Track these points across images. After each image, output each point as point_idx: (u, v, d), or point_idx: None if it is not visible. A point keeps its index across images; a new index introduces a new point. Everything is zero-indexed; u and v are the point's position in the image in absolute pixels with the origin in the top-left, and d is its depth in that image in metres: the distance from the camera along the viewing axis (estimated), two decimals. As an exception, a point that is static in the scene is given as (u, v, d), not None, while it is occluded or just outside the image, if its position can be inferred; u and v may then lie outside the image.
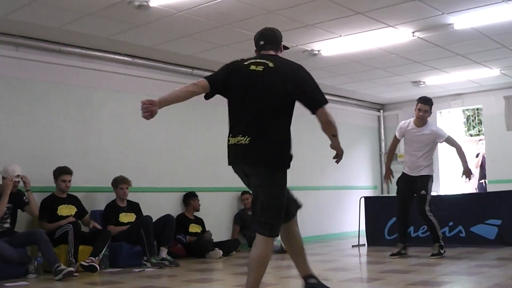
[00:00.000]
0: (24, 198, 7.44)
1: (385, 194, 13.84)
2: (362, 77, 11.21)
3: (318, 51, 9.05)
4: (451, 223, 9.39)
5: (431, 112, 8.24)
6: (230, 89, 4.33)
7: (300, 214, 11.74)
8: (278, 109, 4.22)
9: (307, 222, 11.94)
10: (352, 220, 11.44)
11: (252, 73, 4.26)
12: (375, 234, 10.21)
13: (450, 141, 8.30)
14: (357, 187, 13.27)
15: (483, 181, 13.33)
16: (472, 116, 16.30)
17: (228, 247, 9.30)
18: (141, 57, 9.15)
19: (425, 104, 8.10)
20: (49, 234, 7.26)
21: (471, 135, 16.39)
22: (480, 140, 13.90)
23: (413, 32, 8.23)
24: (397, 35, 8.34)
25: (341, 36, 8.34)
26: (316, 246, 10.61)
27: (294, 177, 11.75)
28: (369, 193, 13.11)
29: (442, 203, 9.81)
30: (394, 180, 8.58)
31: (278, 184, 4.25)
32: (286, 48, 4.66)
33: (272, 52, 4.46)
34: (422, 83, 11.74)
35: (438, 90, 12.71)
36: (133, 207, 8.56)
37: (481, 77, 11.40)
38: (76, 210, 7.89)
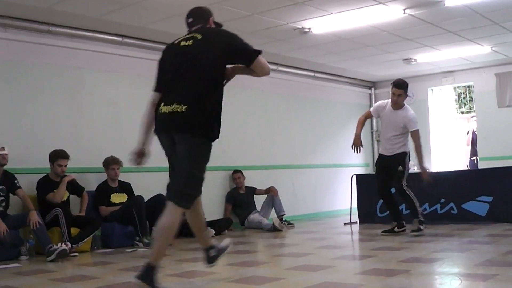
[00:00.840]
0: (16, 181, 7.37)
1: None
2: (353, 55, 11.18)
3: (309, 29, 9.00)
4: (442, 200, 9.42)
5: (406, 95, 8.22)
6: (165, 69, 4.56)
7: (292, 192, 11.79)
8: (212, 77, 4.37)
9: (299, 200, 11.99)
10: (344, 198, 11.47)
11: (183, 48, 4.47)
12: (367, 212, 10.25)
13: (415, 135, 8.02)
14: (349, 165, 13.27)
15: (474, 158, 13.39)
16: (463, 93, 16.31)
17: (220, 226, 9.30)
18: (131, 37, 9.08)
19: (399, 88, 8.03)
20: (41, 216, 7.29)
21: (462, 113, 16.42)
22: (472, 117, 13.93)
23: (404, 9, 8.19)
24: (388, 12, 8.30)
25: (331, 13, 8.29)
26: (308, 224, 10.64)
27: (286, 156, 11.81)
28: (360, 170, 13.12)
29: (434, 180, 9.85)
30: (364, 150, 8.58)
31: (204, 156, 4.41)
32: (218, 24, 4.82)
33: (199, 26, 4.64)
34: (413, 60, 11.72)
35: (429, 68, 12.70)
36: (125, 187, 8.54)
37: (472, 54, 11.39)
38: (68, 195, 7.85)
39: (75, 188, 7.98)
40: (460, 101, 16.77)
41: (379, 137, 14.06)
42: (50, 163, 7.70)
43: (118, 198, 8.37)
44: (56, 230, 7.32)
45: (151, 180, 9.09)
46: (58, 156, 7.66)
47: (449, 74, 13.26)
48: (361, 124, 8.50)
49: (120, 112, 9.01)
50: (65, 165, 7.69)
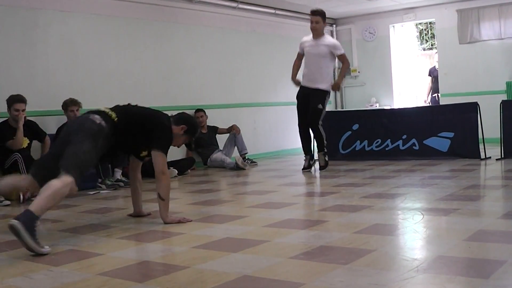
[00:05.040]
0: None
1: (339, 109, 13.91)
2: (315, -9, 11.05)
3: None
4: (404, 136, 9.48)
5: (325, 23, 8.44)
6: None
7: (254, 130, 11.76)
8: None
9: (261, 139, 11.99)
10: (307, 136, 11.48)
11: None
12: (329, 149, 10.25)
13: (343, 57, 8.42)
14: (311, 103, 13.27)
15: (436, 94, 13.46)
16: (425, 30, 16.33)
17: (183, 166, 9.27)
18: (86, -26, 8.84)
19: (314, 15, 8.26)
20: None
21: (424, 49, 16.46)
22: (436, 53, 13.98)
23: None
24: None
25: None
26: (271, 162, 10.66)
27: (247, 94, 11.73)
28: (323, 108, 13.13)
29: (396, 116, 9.90)
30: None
31: None
32: None
33: None
34: (375, -4, 11.66)
35: (391, 4, 12.64)
36: (85, 129, 8.40)
37: (434, -11, 11.35)
38: (29, 142, 7.67)
39: (36, 133, 7.81)
40: (421, 38, 16.80)
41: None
42: (7, 108, 7.49)
43: (79, 140, 8.24)
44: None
45: (111, 121, 8.97)
46: (14, 100, 7.41)
47: (411, 10, 13.21)
48: (295, 69, 8.74)
49: (77, 53, 8.80)
50: (23, 110, 7.43)
